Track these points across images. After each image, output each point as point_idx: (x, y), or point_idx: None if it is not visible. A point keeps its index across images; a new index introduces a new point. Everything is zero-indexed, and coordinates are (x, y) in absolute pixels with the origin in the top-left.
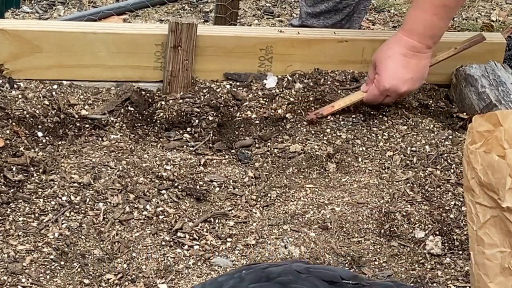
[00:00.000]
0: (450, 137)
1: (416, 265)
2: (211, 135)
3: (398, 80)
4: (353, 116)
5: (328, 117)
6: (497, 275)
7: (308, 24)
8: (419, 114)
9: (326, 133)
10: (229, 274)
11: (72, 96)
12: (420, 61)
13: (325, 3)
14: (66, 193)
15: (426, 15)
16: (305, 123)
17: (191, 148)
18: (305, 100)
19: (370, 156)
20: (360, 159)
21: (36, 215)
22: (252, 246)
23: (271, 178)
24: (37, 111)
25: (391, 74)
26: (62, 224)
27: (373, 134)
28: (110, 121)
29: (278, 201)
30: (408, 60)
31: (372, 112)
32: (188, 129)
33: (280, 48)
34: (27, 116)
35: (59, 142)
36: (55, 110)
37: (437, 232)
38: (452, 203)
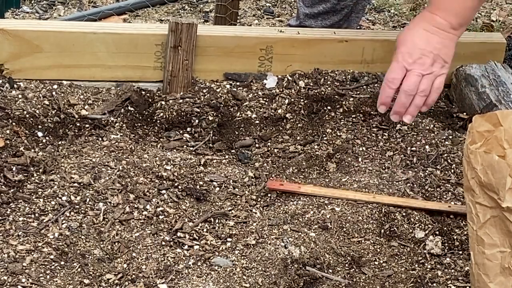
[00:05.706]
0: (450, 137)
1: (416, 265)
2: (211, 135)
3: (419, 49)
4: (353, 116)
5: (328, 117)
6: (497, 275)
7: (306, 25)
8: (419, 114)
9: (326, 133)
10: None
11: (72, 96)
12: (443, 40)
13: (323, 4)
14: (66, 193)
15: None
16: (305, 121)
17: (191, 148)
18: (305, 100)
19: (370, 156)
20: (360, 159)
21: (36, 215)
22: (252, 246)
23: (271, 178)
24: (37, 111)
25: (410, 43)
26: (62, 224)
27: (373, 134)
28: (110, 121)
29: (278, 201)
30: (431, 35)
31: (372, 112)
32: (188, 129)
33: (280, 48)
34: (27, 116)
35: (59, 142)
36: (55, 110)
37: (437, 232)
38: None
